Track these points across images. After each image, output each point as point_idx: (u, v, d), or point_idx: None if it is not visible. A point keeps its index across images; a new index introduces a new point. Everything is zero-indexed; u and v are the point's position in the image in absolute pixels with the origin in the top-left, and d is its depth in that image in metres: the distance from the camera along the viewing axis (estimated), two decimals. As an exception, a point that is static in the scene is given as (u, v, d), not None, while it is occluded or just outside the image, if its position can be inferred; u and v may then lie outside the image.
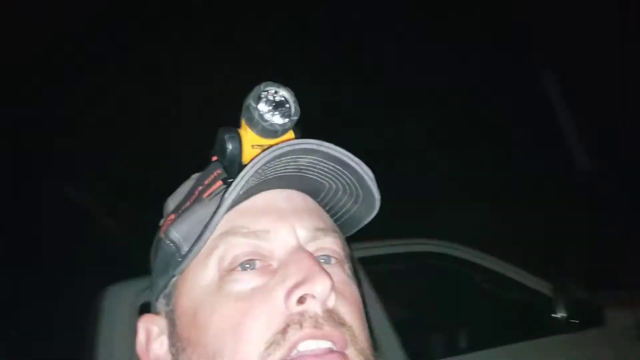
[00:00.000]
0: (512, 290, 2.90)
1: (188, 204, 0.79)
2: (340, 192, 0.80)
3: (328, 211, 0.83)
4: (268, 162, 0.71)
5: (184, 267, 0.76)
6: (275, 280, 0.72)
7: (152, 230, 0.85)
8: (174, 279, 0.78)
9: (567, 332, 2.77)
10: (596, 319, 2.84)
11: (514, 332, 2.79)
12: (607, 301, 2.95)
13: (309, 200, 0.80)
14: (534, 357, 2.75)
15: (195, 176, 0.83)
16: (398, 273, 3.15)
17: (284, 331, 0.69)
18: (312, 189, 0.80)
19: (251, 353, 0.68)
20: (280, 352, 0.68)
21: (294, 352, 0.68)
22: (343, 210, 0.83)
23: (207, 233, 0.72)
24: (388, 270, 3.10)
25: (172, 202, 0.83)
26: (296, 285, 0.70)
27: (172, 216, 0.80)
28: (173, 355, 0.76)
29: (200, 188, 0.79)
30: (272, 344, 0.68)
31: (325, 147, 0.74)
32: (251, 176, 0.71)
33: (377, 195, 0.78)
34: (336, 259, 0.78)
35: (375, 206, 0.79)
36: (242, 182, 0.71)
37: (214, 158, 0.80)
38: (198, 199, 0.78)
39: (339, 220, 0.84)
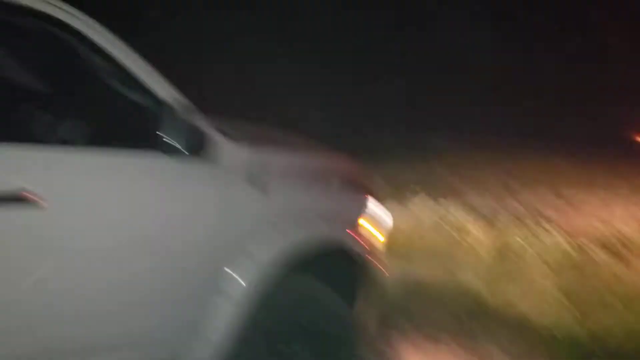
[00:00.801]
0: (137, 93, 2.33)
1: None
2: None
3: None
4: None
5: None
6: None
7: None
8: None
9: (171, 155, 2.30)
10: (206, 149, 2.45)
11: (123, 137, 2.27)
12: (230, 133, 2.57)
13: None
14: (127, 171, 2.29)
15: None
16: None
17: None
18: None
19: None
20: None
21: None
22: None
23: None
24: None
25: None
26: None
27: None
28: None
29: None
30: None
31: None
32: None
33: None
34: None
35: None
36: None
37: None
38: None
39: None
